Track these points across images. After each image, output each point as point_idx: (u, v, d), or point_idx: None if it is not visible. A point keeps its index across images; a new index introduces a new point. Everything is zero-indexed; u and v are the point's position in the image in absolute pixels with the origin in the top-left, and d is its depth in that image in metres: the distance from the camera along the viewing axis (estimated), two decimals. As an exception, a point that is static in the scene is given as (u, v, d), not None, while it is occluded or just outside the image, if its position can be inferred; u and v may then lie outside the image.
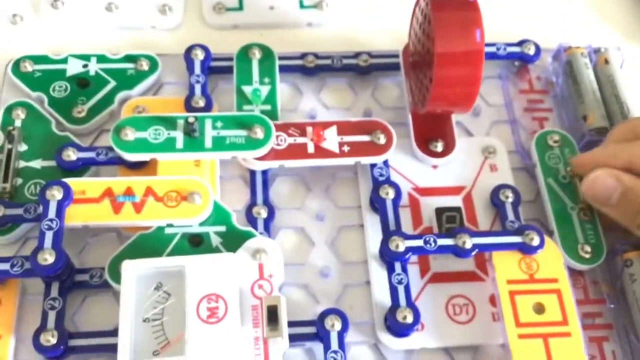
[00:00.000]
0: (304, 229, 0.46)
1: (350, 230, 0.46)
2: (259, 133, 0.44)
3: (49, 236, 0.40)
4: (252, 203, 0.45)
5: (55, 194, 0.41)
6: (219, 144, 0.44)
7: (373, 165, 0.46)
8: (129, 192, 0.42)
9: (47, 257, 0.39)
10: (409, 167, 0.47)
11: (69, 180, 0.42)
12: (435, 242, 0.42)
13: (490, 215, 0.46)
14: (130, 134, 0.43)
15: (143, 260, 0.38)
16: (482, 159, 0.48)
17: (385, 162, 0.46)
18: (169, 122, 0.44)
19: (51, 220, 0.40)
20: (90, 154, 0.45)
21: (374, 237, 0.44)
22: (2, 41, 0.51)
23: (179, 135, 0.44)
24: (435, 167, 0.47)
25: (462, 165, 0.48)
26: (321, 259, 0.45)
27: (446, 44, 0.41)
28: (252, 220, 0.45)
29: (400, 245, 0.41)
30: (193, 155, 0.44)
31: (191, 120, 0.43)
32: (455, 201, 0.46)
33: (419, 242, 0.41)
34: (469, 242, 0.41)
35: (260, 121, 0.45)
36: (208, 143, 0.44)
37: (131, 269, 0.37)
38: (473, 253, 0.41)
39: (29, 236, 0.44)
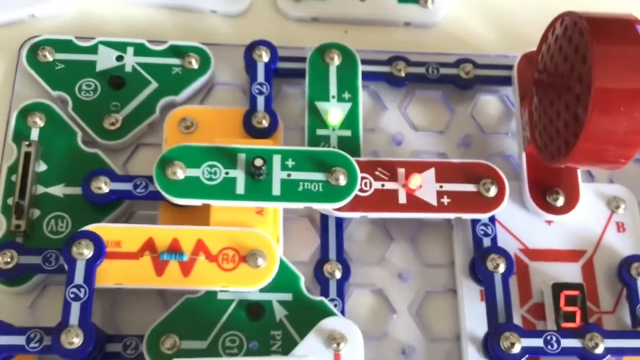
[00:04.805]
0: (382, 290, 0.37)
1: (440, 296, 0.38)
2: (341, 179, 0.34)
3: (75, 309, 0.31)
4: (324, 258, 0.36)
5: (84, 251, 0.32)
6: (290, 191, 0.34)
7: (476, 220, 0.37)
8: (175, 247, 0.33)
9: (74, 340, 0.31)
10: (517, 221, 0.38)
11: (101, 228, 0.33)
12: (558, 342, 0.33)
13: (615, 291, 0.37)
14: (179, 172, 0.34)
15: (196, 361, 0.30)
16: (607, 214, 0.39)
17: (492, 219, 0.37)
18: (228, 156, 0.35)
19: (78, 287, 0.32)
20: (127, 186, 0.36)
21: (471, 311, 0.36)
22: (24, 14, 0.41)
23: (239, 176, 0.34)
24: (549, 222, 0.38)
25: (582, 222, 0.38)
26: (403, 332, 0.36)
27: (608, 81, 0.31)
28: (322, 280, 0.36)
29: (516, 345, 0.33)
30: (257, 204, 0.34)
31: (258, 163, 0.33)
32: (574, 271, 0.37)
33: (537, 342, 0.33)
34: (601, 346, 0.33)
35: (343, 162, 0.35)
36: (276, 189, 0.34)
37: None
38: (604, 359, 0.33)
39: (48, 282, 0.36)
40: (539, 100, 0.37)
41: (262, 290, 0.34)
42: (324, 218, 0.37)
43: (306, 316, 0.34)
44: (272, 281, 0.34)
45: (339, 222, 0.37)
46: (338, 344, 0.32)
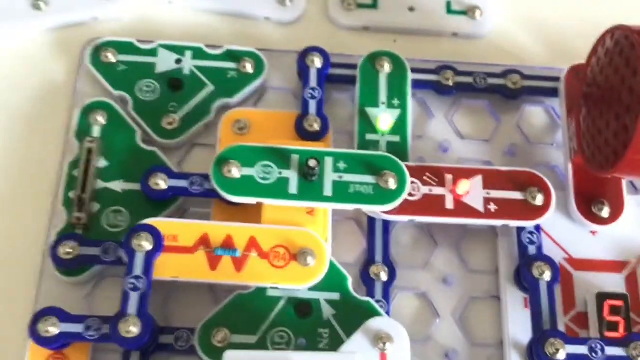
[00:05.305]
0: (426, 294, 0.38)
1: (483, 302, 0.38)
2: (391, 182, 0.35)
3: (134, 299, 0.33)
4: (370, 259, 0.37)
5: (144, 243, 0.33)
6: (341, 192, 0.35)
7: (521, 228, 0.38)
8: (228, 244, 0.35)
9: (132, 328, 0.32)
10: (562, 231, 0.39)
11: (159, 222, 0.35)
12: (602, 350, 0.34)
13: (658, 303, 0.38)
14: (235, 171, 0.35)
15: (248, 354, 0.31)
16: (651, 226, 0.39)
17: (537, 227, 0.38)
18: (282, 157, 0.36)
19: (137, 277, 0.33)
20: (183, 183, 0.37)
21: (515, 318, 0.36)
22: (87, 16, 0.43)
23: (292, 177, 0.35)
24: (594, 232, 0.39)
25: (626, 233, 0.39)
26: (446, 336, 0.37)
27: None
28: (369, 282, 0.37)
29: (560, 351, 0.33)
30: (309, 204, 0.36)
31: (312, 164, 0.34)
32: (617, 281, 0.38)
33: (582, 349, 0.33)
34: (645, 355, 0.33)
35: (393, 167, 0.36)
36: (327, 190, 0.35)
37: (234, 362, 0.30)
38: (649, 370, 0.34)
39: (104, 274, 0.37)
40: (587, 111, 0.38)
41: (311, 289, 0.35)
42: (371, 221, 0.38)
43: (353, 316, 0.35)
44: (320, 280, 0.35)
45: (386, 225, 0.38)
46: (384, 344, 0.33)
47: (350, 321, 0.35)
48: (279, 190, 0.35)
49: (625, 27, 0.34)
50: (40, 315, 0.33)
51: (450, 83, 0.41)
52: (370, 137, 0.39)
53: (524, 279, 0.36)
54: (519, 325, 0.36)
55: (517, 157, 0.41)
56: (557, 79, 0.42)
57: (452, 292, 0.38)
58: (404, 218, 0.37)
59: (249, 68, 0.41)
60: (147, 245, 0.34)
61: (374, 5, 0.44)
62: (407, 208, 0.36)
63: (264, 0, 0.43)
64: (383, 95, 0.40)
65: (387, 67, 0.40)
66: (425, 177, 0.37)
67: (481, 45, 0.45)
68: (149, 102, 0.40)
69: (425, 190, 0.37)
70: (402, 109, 0.40)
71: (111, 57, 0.40)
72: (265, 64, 0.41)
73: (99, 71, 0.40)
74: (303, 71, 0.40)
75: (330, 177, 0.36)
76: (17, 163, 0.39)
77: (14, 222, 0.38)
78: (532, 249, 0.37)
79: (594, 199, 0.38)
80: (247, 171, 0.35)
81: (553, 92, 0.42)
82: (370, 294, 0.37)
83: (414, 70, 0.41)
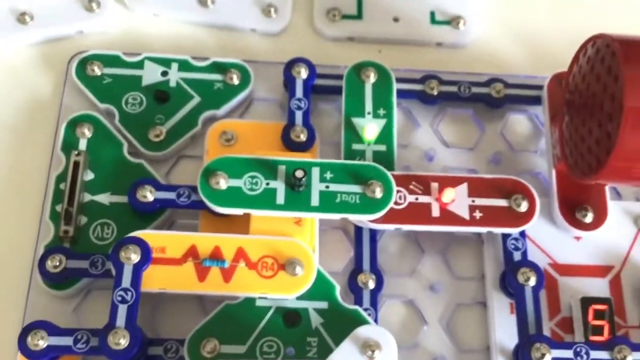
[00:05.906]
0: (414, 301, 0.38)
1: (470, 308, 0.38)
2: (377, 192, 0.36)
3: (122, 311, 0.33)
4: (358, 268, 0.38)
5: (132, 256, 0.33)
6: (328, 202, 0.36)
7: (506, 234, 0.38)
8: (216, 254, 0.35)
9: (120, 341, 0.32)
10: (546, 236, 0.39)
11: (147, 234, 0.35)
12: (587, 354, 0.34)
13: (642, 307, 0.38)
14: (222, 182, 0.35)
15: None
16: (634, 231, 0.40)
17: (522, 233, 0.38)
18: (269, 168, 0.36)
19: (125, 290, 0.33)
20: (170, 195, 0.37)
21: (501, 323, 0.37)
22: (72, 30, 0.43)
23: (279, 187, 0.36)
24: (578, 238, 0.39)
25: (610, 238, 0.39)
26: (434, 342, 0.37)
27: (639, 100, 0.32)
28: (356, 290, 0.37)
29: (546, 356, 0.34)
30: (295, 214, 0.36)
31: (299, 174, 0.35)
32: (602, 286, 0.38)
33: (567, 353, 0.34)
34: (629, 358, 0.33)
35: (379, 176, 0.36)
36: (314, 200, 0.36)
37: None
38: (633, 373, 0.34)
39: (91, 287, 0.37)
40: (570, 119, 0.38)
41: (299, 298, 0.35)
42: (358, 230, 0.38)
43: (341, 324, 0.35)
44: (308, 289, 0.35)
45: (373, 233, 0.38)
46: (373, 352, 0.33)
47: (339, 329, 0.35)
48: (266, 200, 0.36)
49: (606, 36, 0.35)
50: (29, 329, 0.33)
51: (435, 92, 0.42)
52: (356, 146, 0.39)
53: (509, 285, 0.37)
54: (505, 331, 0.37)
55: (502, 164, 0.42)
56: (540, 87, 0.42)
57: (439, 298, 0.39)
58: (391, 226, 0.37)
59: (235, 79, 0.41)
60: (135, 258, 0.34)
61: (358, 16, 0.44)
62: (393, 217, 0.37)
63: (249, 12, 0.44)
64: (369, 105, 0.40)
65: (372, 77, 0.41)
66: (411, 186, 0.37)
67: (465, 55, 0.45)
68: (136, 115, 0.40)
69: (411, 198, 0.37)
70: (388, 119, 0.40)
71: (97, 70, 0.41)
72: (251, 75, 0.42)
73: (85, 84, 0.41)
74: (289, 82, 0.41)
75: (317, 187, 0.36)
76: (3, 177, 0.39)
77: (0, 235, 0.38)
78: (517, 255, 0.38)
79: (578, 205, 0.39)
80: (234, 182, 0.36)
81: (536, 100, 0.42)
82: (358, 302, 0.37)
83: (398, 80, 0.42)
